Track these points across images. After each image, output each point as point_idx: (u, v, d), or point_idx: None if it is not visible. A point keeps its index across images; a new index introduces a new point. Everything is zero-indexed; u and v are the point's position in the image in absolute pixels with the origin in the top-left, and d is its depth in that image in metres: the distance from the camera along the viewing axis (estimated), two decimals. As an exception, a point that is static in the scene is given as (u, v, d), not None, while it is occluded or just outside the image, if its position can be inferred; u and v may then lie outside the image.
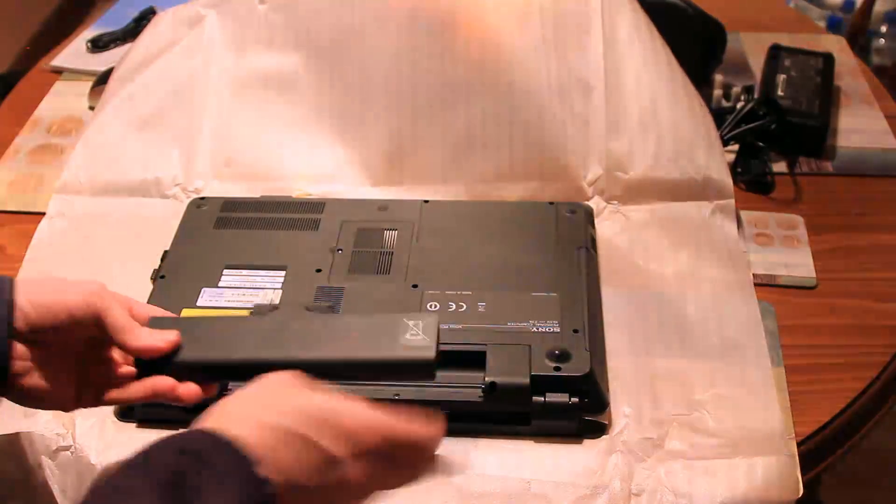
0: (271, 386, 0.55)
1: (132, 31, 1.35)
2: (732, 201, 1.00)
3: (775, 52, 1.23)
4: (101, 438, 0.79)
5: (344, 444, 0.53)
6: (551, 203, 0.97)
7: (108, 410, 0.81)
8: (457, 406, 0.77)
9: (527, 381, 0.77)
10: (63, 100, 1.24)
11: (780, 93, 1.15)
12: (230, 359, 0.63)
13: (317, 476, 0.52)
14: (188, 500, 0.46)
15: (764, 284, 0.94)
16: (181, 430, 0.50)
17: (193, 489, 0.46)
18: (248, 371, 0.59)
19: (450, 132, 1.03)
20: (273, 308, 0.83)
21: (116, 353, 0.64)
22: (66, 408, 0.64)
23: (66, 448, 0.78)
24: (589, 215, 0.96)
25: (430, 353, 0.61)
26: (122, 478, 0.47)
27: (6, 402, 0.79)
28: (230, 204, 0.98)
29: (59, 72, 1.30)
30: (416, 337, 0.62)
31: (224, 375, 0.65)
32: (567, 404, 0.76)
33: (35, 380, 0.61)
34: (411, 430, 0.56)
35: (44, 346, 0.60)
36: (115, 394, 0.63)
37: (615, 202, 1.01)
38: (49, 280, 0.63)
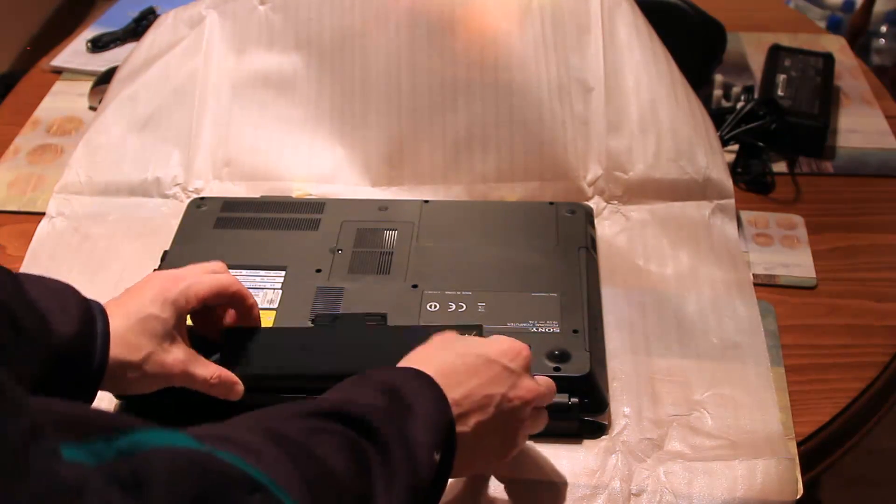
0: (443, 340, 0.70)
1: (132, 31, 1.36)
2: (732, 201, 1.00)
3: (775, 52, 1.23)
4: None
5: (490, 366, 0.67)
6: (551, 203, 0.97)
7: (109, 407, 0.81)
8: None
9: (527, 381, 0.77)
10: (63, 100, 1.24)
11: (780, 93, 1.15)
12: (305, 373, 0.76)
13: (477, 391, 0.65)
14: (402, 402, 0.60)
15: (764, 284, 0.94)
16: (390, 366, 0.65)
17: (405, 396, 0.60)
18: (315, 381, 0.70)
19: (450, 132, 1.03)
20: (334, 318, 0.82)
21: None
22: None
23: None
24: (589, 215, 0.96)
25: None
26: (350, 385, 0.62)
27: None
28: (230, 204, 0.98)
29: (59, 72, 1.30)
30: None
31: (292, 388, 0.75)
32: (567, 405, 0.76)
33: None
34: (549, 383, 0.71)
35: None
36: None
37: (615, 202, 1.01)
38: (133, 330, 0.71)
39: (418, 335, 0.70)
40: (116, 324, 0.70)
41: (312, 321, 0.82)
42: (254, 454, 0.49)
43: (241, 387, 0.75)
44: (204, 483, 0.45)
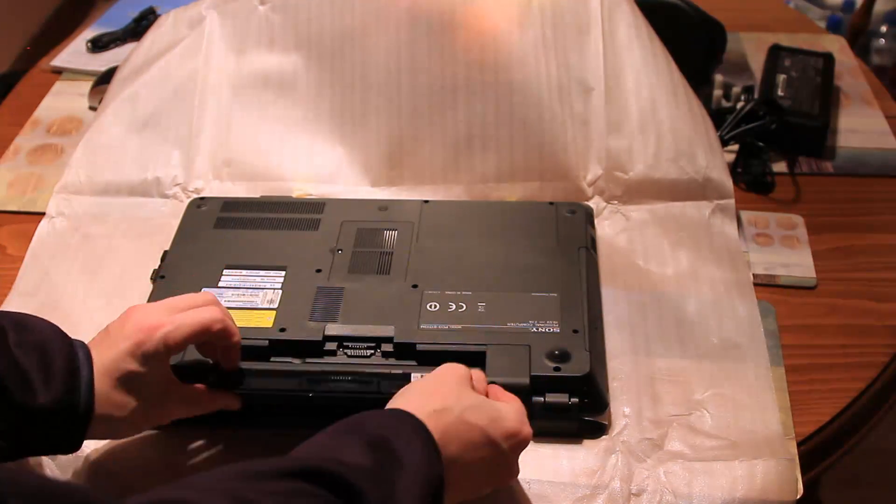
0: (443, 378, 0.68)
1: (132, 31, 1.36)
2: (732, 201, 1.00)
3: (775, 52, 1.23)
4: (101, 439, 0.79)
5: (496, 432, 0.66)
6: (551, 203, 0.97)
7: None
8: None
9: (527, 381, 0.77)
10: (63, 100, 1.24)
11: (780, 93, 1.15)
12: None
13: (474, 454, 0.65)
14: (392, 457, 0.58)
15: (764, 284, 0.94)
16: (383, 409, 0.64)
17: (395, 449, 0.58)
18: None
19: (450, 132, 1.03)
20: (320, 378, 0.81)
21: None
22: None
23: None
24: (589, 215, 0.96)
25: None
26: (337, 434, 0.60)
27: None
28: (230, 204, 0.98)
29: (59, 72, 1.30)
30: None
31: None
32: (567, 404, 0.76)
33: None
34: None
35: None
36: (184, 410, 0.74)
37: (615, 202, 1.01)
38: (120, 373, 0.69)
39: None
40: (100, 383, 0.68)
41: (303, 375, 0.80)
42: None
43: (235, 400, 0.76)
44: None
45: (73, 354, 0.68)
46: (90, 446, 0.77)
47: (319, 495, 0.53)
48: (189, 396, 0.74)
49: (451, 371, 0.69)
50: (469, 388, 0.68)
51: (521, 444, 0.68)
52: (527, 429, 0.68)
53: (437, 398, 0.66)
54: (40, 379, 0.65)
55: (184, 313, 0.71)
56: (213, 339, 0.73)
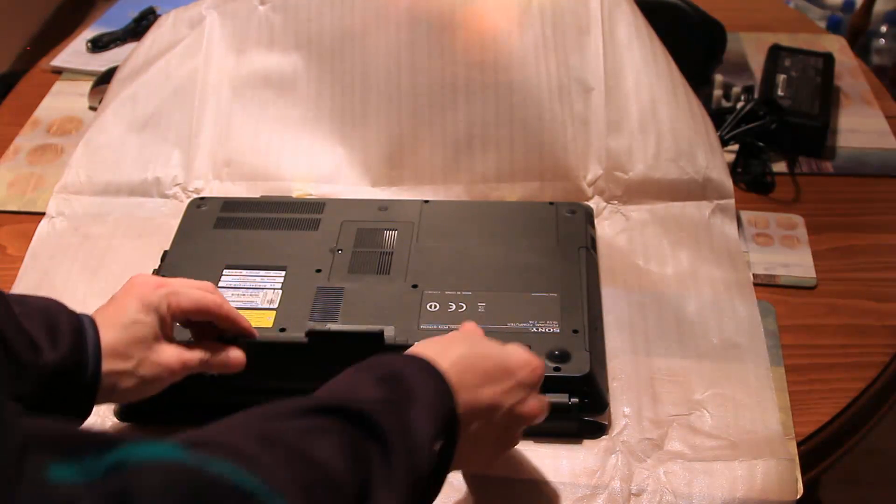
0: (466, 333, 0.71)
1: (132, 31, 1.36)
2: (732, 201, 1.00)
3: (775, 52, 1.23)
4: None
5: (507, 377, 0.66)
6: (551, 203, 0.97)
7: (108, 411, 0.81)
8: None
9: (527, 381, 0.77)
10: (63, 100, 1.25)
11: (780, 93, 1.15)
12: None
13: (489, 384, 0.65)
14: (402, 388, 0.59)
15: (764, 284, 0.94)
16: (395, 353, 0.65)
17: (406, 382, 0.60)
18: None
19: (450, 132, 1.03)
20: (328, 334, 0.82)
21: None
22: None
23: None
24: (589, 215, 0.96)
25: None
26: (351, 374, 0.61)
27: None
28: (230, 204, 0.98)
29: (59, 72, 1.30)
30: None
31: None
32: (567, 405, 0.76)
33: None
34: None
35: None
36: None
37: (615, 202, 1.01)
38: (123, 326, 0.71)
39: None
40: (105, 336, 0.70)
41: (307, 334, 0.81)
42: (247, 460, 0.48)
43: (240, 355, 0.75)
44: (194, 497, 0.44)
45: (76, 317, 0.70)
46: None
47: (338, 429, 0.55)
48: (188, 350, 0.74)
49: (464, 327, 0.73)
50: (484, 337, 0.71)
51: (534, 374, 0.68)
52: (539, 360, 0.69)
53: (447, 341, 0.68)
54: (46, 339, 0.67)
55: (188, 288, 0.75)
56: (218, 321, 0.75)
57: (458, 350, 0.66)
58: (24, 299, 0.70)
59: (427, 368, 0.62)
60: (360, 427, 0.55)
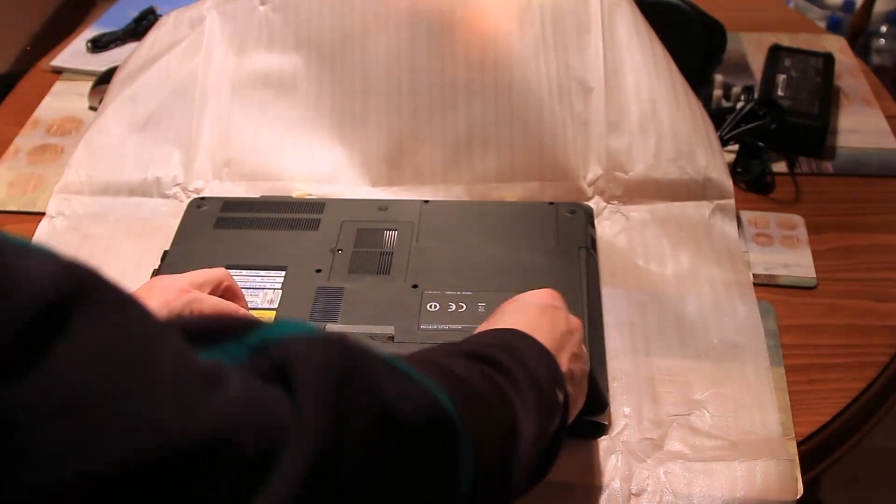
0: (510, 303, 0.71)
1: (132, 31, 1.36)
2: (732, 201, 1.00)
3: (775, 52, 1.23)
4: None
5: (560, 317, 0.69)
6: (551, 203, 0.97)
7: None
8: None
9: (527, 381, 0.77)
10: (63, 100, 1.25)
11: (780, 93, 1.15)
12: None
13: (561, 342, 0.67)
14: (515, 353, 0.60)
15: (764, 284, 0.94)
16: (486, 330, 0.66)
17: (515, 349, 0.61)
18: None
19: (450, 132, 1.03)
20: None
21: None
22: None
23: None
24: (589, 215, 0.96)
25: None
26: (468, 340, 0.62)
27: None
28: (230, 204, 0.98)
29: (59, 72, 1.30)
30: None
31: None
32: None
33: None
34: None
35: None
36: None
37: (615, 202, 1.01)
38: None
39: None
40: None
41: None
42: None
43: None
44: (347, 360, 0.44)
45: None
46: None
47: (476, 367, 0.57)
48: None
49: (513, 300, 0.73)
50: (514, 298, 0.73)
51: (561, 299, 0.72)
52: (550, 290, 0.72)
53: (531, 315, 0.69)
54: None
55: (207, 283, 0.75)
56: None
57: (518, 318, 0.67)
58: None
59: (525, 338, 0.64)
60: (498, 369, 0.57)
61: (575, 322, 0.71)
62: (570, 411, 0.64)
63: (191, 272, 0.76)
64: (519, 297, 0.72)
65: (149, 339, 0.38)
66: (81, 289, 0.38)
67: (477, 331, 0.67)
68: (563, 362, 0.65)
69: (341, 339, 0.46)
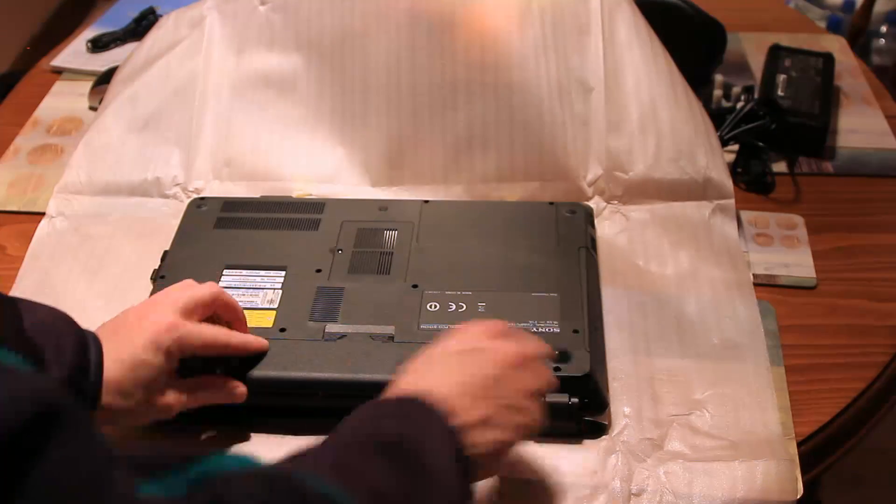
0: (453, 347, 0.68)
1: (132, 31, 1.36)
2: (732, 201, 1.00)
3: (775, 52, 1.23)
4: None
5: (503, 383, 0.66)
6: (551, 203, 0.97)
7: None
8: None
9: (527, 381, 0.77)
10: (63, 100, 1.24)
11: (780, 93, 1.15)
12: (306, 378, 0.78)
13: (497, 420, 0.64)
14: (412, 456, 0.57)
15: (764, 284, 0.94)
16: (388, 396, 0.64)
17: (415, 447, 0.58)
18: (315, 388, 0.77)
19: (450, 132, 1.03)
20: (341, 336, 0.82)
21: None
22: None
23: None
24: (589, 215, 0.96)
25: None
26: (347, 449, 0.58)
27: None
28: (230, 204, 0.98)
29: (59, 72, 1.30)
30: None
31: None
32: (567, 404, 0.76)
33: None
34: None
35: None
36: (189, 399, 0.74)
37: (615, 202, 1.01)
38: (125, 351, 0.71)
39: None
40: (109, 370, 0.69)
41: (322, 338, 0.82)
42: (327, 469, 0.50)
43: (242, 390, 0.77)
44: (280, 497, 0.45)
45: (83, 338, 0.69)
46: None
47: (394, 468, 0.56)
48: (194, 386, 0.75)
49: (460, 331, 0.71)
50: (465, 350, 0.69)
51: (531, 358, 0.68)
52: (521, 346, 0.68)
53: (440, 363, 0.67)
54: (52, 358, 0.66)
55: (200, 325, 0.74)
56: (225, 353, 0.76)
57: (451, 378, 0.65)
58: (34, 308, 0.69)
59: (429, 414, 0.61)
60: (399, 459, 0.56)
61: (512, 353, 0.67)
62: (482, 473, 0.64)
63: (182, 293, 0.75)
64: (439, 343, 0.69)
65: (99, 476, 0.40)
66: (44, 419, 0.39)
67: (388, 390, 0.65)
68: (481, 415, 0.63)
69: (277, 476, 0.47)
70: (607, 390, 0.80)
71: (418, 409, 0.61)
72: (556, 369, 0.77)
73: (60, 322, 0.69)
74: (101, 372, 0.69)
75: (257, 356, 0.78)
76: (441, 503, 0.57)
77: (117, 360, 0.70)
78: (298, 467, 0.51)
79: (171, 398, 0.73)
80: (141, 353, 0.70)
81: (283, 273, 0.89)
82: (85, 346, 0.69)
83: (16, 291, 0.94)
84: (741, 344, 0.86)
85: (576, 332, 0.81)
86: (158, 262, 0.92)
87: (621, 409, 0.80)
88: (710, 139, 1.02)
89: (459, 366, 0.66)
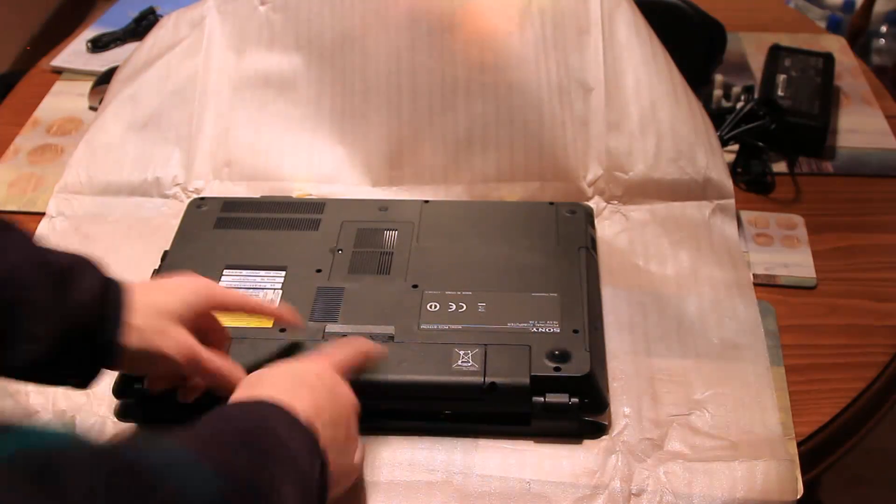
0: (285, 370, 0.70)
1: (132, 31, 1.36)
2: (732, 201, 1.00)
3: (775, 52, 1.23)
4: (101, 438, 0.79)
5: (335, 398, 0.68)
6: (551, 203, 0.97)
7: (109, 411, 0.81)
8: (457, 406, 0.78)
9: (527, 381, 0.77)
10: (63, 100, 1.25)
11: (780, 93, 1.15)
12: None
13: (331, 421, 0.65)
14: (266, 440, 0.58)
15: (764, 284, 0.94)
16: (237, 402, 0.64)
17: (270, 434, 0.59)
18: None
19: (450, 132, 1.03)
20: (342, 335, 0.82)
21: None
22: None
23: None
24: (589, 215, 0.96)
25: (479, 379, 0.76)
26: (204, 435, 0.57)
27: (5, 401, 0.79)
28: (230, 204, 0.98)
29: (59, 72, 1.30)
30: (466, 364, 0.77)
31: None
32: (567, 405, 0.76)
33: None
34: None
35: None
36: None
37: (615, 202, 1.01)
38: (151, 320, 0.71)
39: None
40: (135, 313, 0.69)
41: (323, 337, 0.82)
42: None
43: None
44: (116, 467, 0.45)
45: (106, 276, 0.70)
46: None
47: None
48: (203, 348, 0.73)
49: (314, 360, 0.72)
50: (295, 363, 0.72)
51: (345, 366, 0.72)
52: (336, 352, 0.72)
53: (290, 380, 0.68)
54: (77, 279, 0.67)
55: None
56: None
57: (288, 382, 0.67)
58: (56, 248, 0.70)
59: (280, 411, 0.62)
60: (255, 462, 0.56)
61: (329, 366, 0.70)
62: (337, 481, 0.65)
63: (176, 293, 0.73)
64: (304, 363, 0.71)
65: None
66: None
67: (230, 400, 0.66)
68: (330, 416, 0.65)
69: (114, 448, 0.48)
70: (607, 390, 0.80)
71: (268, 407, 0.62)
72: (556, 369, 0.77)
73: (85, 258, 0.70)
74: (125, 293, 0.69)
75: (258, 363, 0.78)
76: (295, 483, 0.57)
77: (146, 304, 0.70)
78: (136, 444, 0.50)
79: (184, 337, 0.71)
80: (171, 304, 0.71)
81: (283, 273, 0.89)
82: (109, 279, 0.69)
83: (16, 291, 0.94)
84: (741, 344, 0.86)
85: (576, 332, 0.81)
86: (158, 262, 0.92)
87: (621, 409, 0.80)
88: (710, 139, 1.02)
89: (291, 376, 0.68)
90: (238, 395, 0.66)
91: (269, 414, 0.61)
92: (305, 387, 0.67)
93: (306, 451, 0.60)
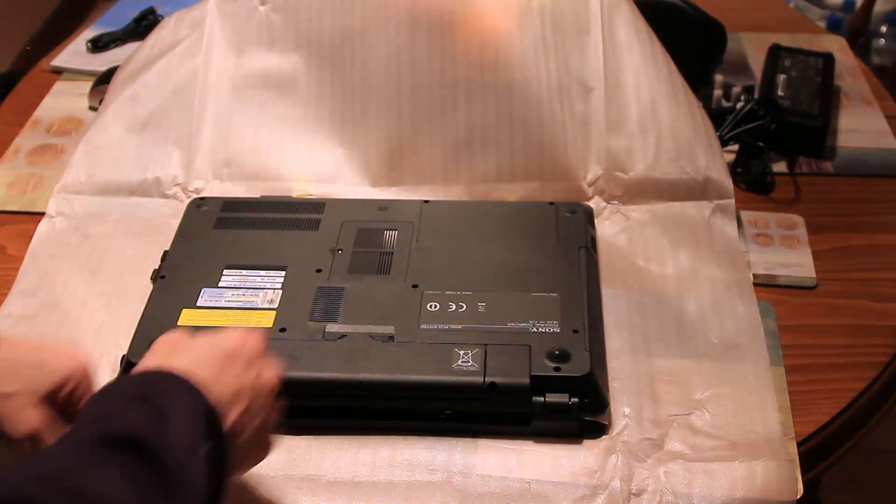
0: (169, 340, 0.66)
1: (132, 31, 1.36)
2: (732, 201, 1.00)
3: (775, 52, 1.23)
4: None
5: (234, 358, 0.64)
6: (551, 203, 0.97)
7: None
8: (457, 406, 0.78)
9: (527, 381, 0.77)
10: (63, 100, 1.24)
11: (780, 93, 1.15)
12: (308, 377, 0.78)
13: (230, 383, 0.63)
14: (159, 408, 0.56)
15: (764, 284, 0.94)
16: (128, 376, 0.62)
17: (161, 401, 0.57)
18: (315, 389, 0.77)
19: (450, 132, 1.03)
20: (342, 336, 0.82)
21: None
22: None
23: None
24: (589, 215, 0.96)
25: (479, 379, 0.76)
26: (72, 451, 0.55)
27: None
28: (230, 204, 0.98)
29: (59, 72, 1.30)
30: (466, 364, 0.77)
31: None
32: (567, 404, 0.76)
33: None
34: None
35: None
36: None
37: (615, 202, 1.01)
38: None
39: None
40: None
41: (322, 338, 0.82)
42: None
43: None
44: None
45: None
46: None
47: (115, 458, 0.54)
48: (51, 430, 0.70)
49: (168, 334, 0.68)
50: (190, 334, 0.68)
51: (253, 345, 0.66)
52: (251, 331, 0.67)
53: (164, 352, 0.66)
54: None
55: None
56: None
57: (184, 355, 0.63)
58: None
59: (171, 378, 0.60)
60: (135, 454, 0.54)
61: (233, 342, 0.66)
62: (243, 460, 0.63)
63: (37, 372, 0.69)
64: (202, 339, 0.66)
65: None
66: None
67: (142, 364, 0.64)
68: (233, 388, 0.62)
69: None
70: (607, 390, 0.80)
71: (161, 388, 0.59)
72: (556, 369, 0.77)
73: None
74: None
75: None
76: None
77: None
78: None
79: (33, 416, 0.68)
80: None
81: (283, 273, 0.89)
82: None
83: (15, 291, 0.94)
84: (741, 344, 0.86)
85: (576, 332, 0.81)
86: (158, 262, 0.92)
87: (621, 409, 0.80)
88: (710, 139, 1.02)
89: (199, 345, 0.65)
90: (147, 362, 0.64)
91: (158, 403, 0.58)
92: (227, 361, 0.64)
93: (196, 445, 0.57)
